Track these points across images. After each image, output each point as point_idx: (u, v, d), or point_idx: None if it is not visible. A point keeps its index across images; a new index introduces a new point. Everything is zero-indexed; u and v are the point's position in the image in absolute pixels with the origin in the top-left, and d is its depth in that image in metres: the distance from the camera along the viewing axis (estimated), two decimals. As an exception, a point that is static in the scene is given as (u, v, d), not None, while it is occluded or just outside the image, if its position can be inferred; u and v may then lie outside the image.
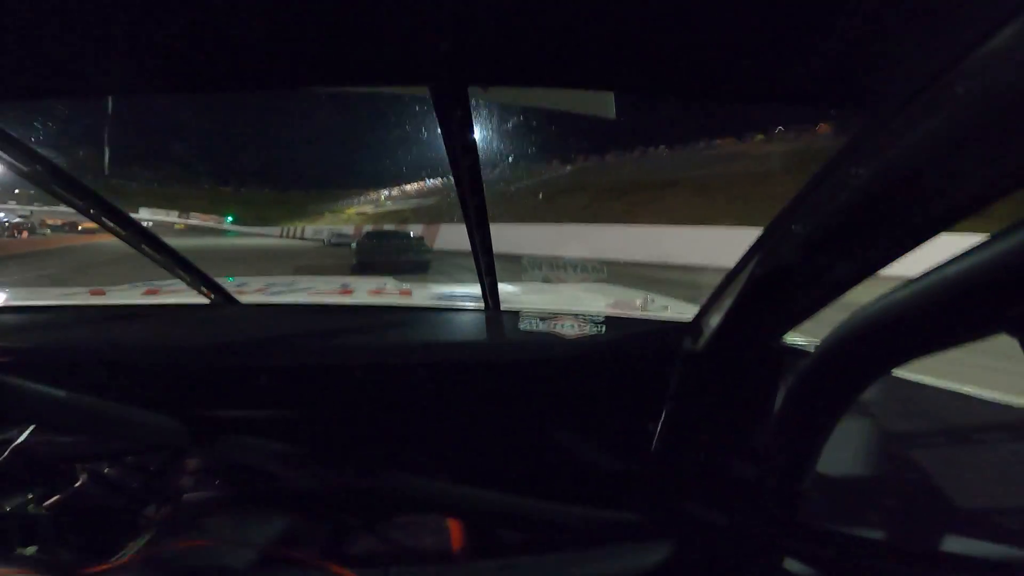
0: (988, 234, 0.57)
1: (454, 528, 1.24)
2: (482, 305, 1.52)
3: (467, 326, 1.46)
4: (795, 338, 1.26)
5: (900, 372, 1.05)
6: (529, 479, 1.19)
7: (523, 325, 1.41)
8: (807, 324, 1.17)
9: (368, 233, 16.41)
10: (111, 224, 1.09)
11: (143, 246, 1.18)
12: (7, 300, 1.44)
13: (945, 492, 0.96)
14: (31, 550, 0.89)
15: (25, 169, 0.92)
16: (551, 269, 1.88)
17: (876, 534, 0.88)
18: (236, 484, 1.33)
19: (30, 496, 1.21)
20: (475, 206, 1.05)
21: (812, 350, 0.98)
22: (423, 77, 0.72)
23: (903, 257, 0.82)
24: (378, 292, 1.90)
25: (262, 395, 1.33)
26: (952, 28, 0.54)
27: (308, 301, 1.71)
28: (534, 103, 0.91)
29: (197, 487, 1.33)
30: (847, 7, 0.56)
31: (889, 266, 0.84)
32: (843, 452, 1.10)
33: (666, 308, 1.57)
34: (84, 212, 1.04)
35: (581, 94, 0.86)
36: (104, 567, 0.78)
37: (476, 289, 1.48)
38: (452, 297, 1.73)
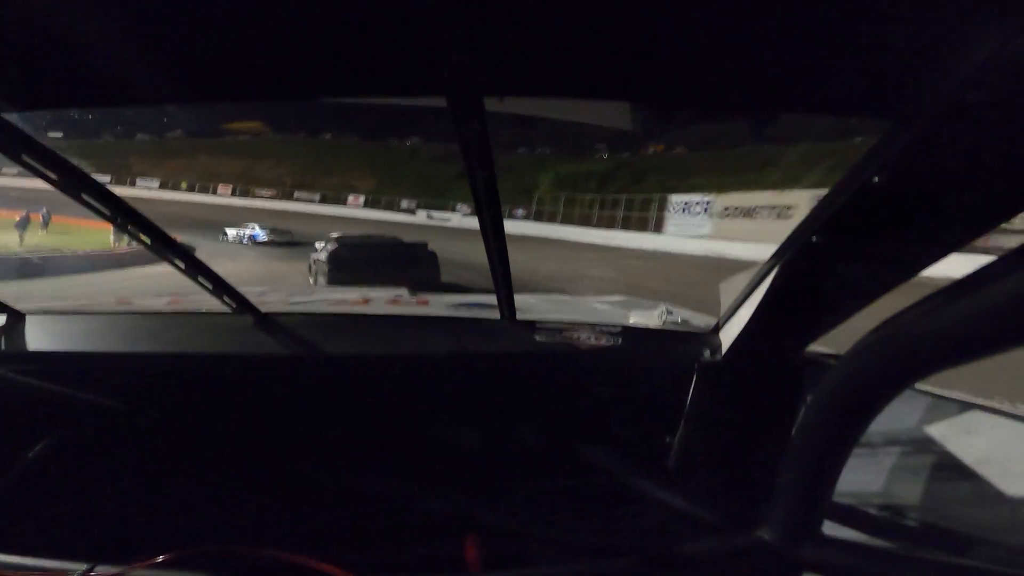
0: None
1: (469, 538, 1.23)
2: (498, 315, 1.52)
3: (484, 336, 1.46)
4: (818, 348, 1.23)
5: (921, 385, 1.03)
6: (544, 488, 1.18)
7: (540, 336, 1.40)
8: (833, 334, 1.15)
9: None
10: (137, 233, 1.12)
11: (168, 255, 1.20)
12: (36, 306, 1.48)
13: (967, 505, 0.93)
14: (44, 553, 0.90)
15: (53, 177, 0.94)
16: (568, 281, 1.87)
17: (897, 547, 0.85)
18: (254, 490, 1.34)
19: (51, 498, 1.23)
20: (491, 217, 1.05)
21: (835, 361, 0.95)
22: (439, 88, 0.73)
23: (930, 266, 0.80)
24: (395, 302, 1.92)
25: (281, 402, 1.34)
26: (970, 36, 0.53)
27: (328, 311, 1.73)
28: (550, 114, 0.91)
29: (216, 493, 1.34)
30: (865, 18, 0.56)
31: (916, 276, 0.83)
32: (864, 464, 1.07)
33: (684, 319, 1.55)
34: (111, 220, 1.07)
35: (597, 104, 0.86)
36: (119, 571, 0.79)
37: (492, 299, 1.48)
38: (468, 307, 1.74)
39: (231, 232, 18.85)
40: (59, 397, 1.20)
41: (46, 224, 17.47)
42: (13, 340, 1.29)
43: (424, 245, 12.21)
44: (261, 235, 19.36)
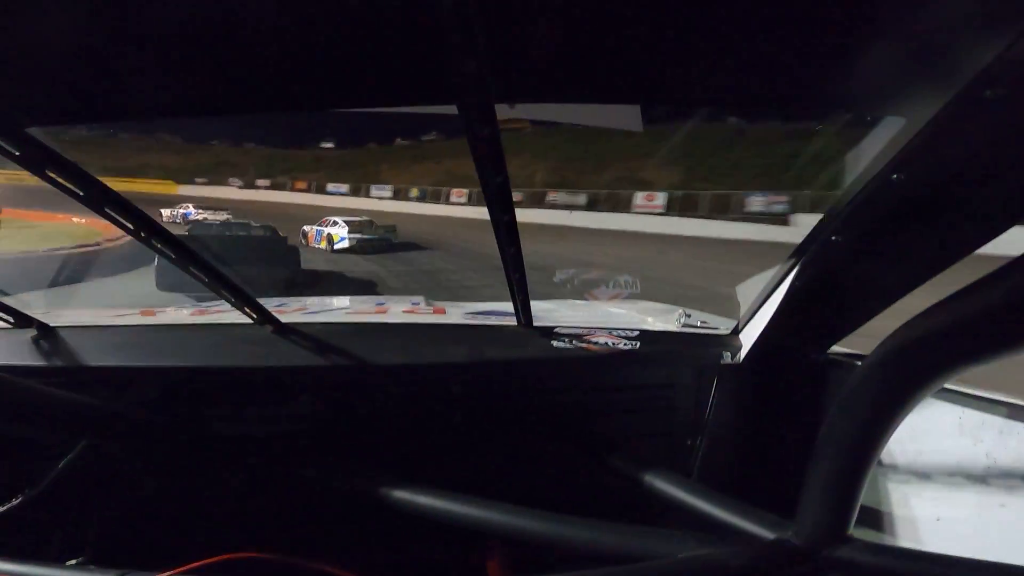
0: None
1: (489, 544, 1.23)
2: (515, 322, 1.52)
3: (501, 343, 1.46)
4: (841, 349, 1.21)
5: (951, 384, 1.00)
6: (565, 495, 1.17)
7: (557, 342, 1.40)
8: (857, 334, 1.12)
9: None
10: (160, 247, 1.15)
11: (191, 268, 1.23)
12: (65, 320, 1.52)
13: (999, 504, 0.90)
14: (76, 561, 0.92)
15: (78, 192, 0.97)
16: (584, 285, 1.86)
17: (926, 547, 0.83)
18: (276, 498, 1.36)
19: (81, 508, 1.26)
20: (505, 223, 1.05)
21: (860, 362, 0.94)
22: (451, 96, 0.74)
23: (955, 263, 0.78)
24: (412, 311, 1.93)
25: (303, 411, 1.36)
26: (987, 31, 0.53)
27: (345, 320, 1.74)
28: (561, 118, 0.92)
29: (241, 502, 1.36)
30: (884, 16, 0.55)
31: (941, 272, 0.81)
32: (891, 465, 1.04)
33: (703, 322, 1.54)
34: (135, 235, 1.10)
35: (608, 108, 0.87)
36: None
37: (509, 306, 1.48)
38: (485, 314, 1.74)
39: (165, 212, 18.13)
40: (87, 409, 1.23)
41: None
42: (42, 353, 1.33)
43: (284, 239, 10.84)
44: (192, 213, 18.99)
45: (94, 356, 1.34)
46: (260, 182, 35.12)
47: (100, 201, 1.00)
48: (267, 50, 0.65)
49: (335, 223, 15.12)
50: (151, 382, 1.32)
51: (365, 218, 16.09)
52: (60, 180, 0.93)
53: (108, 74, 0.71)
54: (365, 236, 14.78)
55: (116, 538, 1.24)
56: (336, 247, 14.50)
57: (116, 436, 1.29)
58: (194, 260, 1.21)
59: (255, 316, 1.43)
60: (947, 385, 1.01)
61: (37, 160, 0.89)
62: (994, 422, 0.95)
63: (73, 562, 0.92)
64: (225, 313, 1.56)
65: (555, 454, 1.40)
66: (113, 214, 1.03)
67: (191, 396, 1.33)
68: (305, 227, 15.58)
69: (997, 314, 0.55)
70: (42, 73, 0.70)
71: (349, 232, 14.65)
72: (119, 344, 1.45)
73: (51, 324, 1.42)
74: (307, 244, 14.94)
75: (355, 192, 32.26)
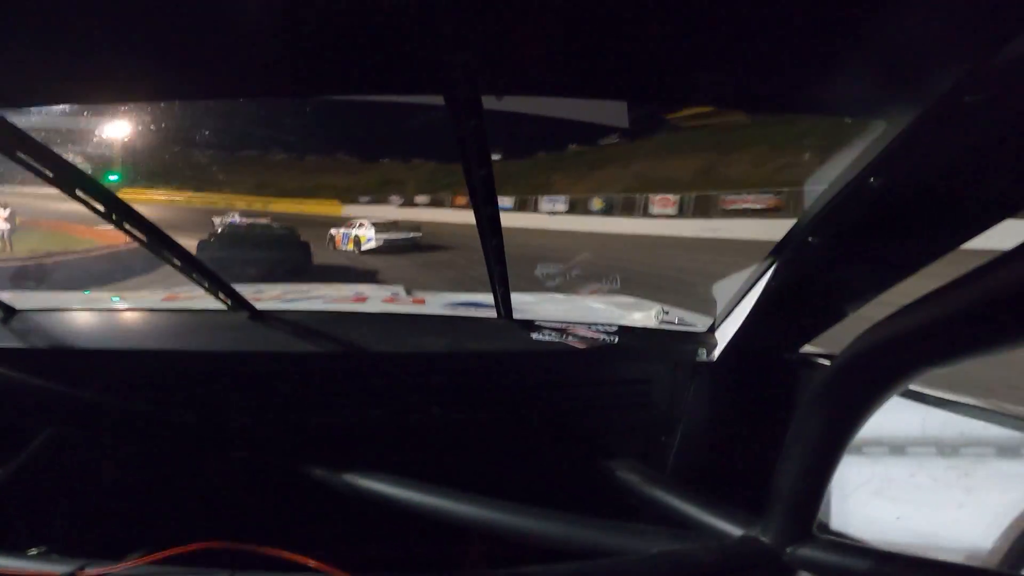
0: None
1: (466, 537, 1.23)
2: (495, 314, 1.51)
3: (480, 335, 1.46)
4: (813, 348, 1.24)
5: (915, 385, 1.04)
6: (540, 490, 1.18)
7: (536, 335, 1.40)
8: (828, 334, 1.15)
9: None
10: (132, 230, 1.12)
11: (164, 252, 1.20)
12: (32, 303, 1.47)
13: (960, 506, 0.93)
14: (38, 550, 0.89)
15: (47, 173, 0.94)
16: (565, 279, 1.87)
17: (891, 547, 0.86)
18: (248, 488, 1.34)
19: (45, 496, 1.23)
20: (488, 215, 1.05)
21: (830, 361, 0.96)
22: (438, 87, 0.73)
23: (925, 267, 0.81)
24: (392, 300, 1.91)
25: (277, 400, 1.34)
26: (967, 38, 0.54)
27: (323, 308, 1.72)
28: (547, 111, 0.92)
29: (210, 490, 1.34)
30: (863, 21, 0.56)
31: (911, 275, 0.83)
32: (858, 464, 1.07)
33: (680, 319, 1.56)
34: (106, 217, 1.06)
35: (595, 103, 0.87)
36: (111, 569, 0.78)
37: (489, 298, 1.48)
38: (465, 306, 1.74)
39: (216, 220, 18.68)
40: (52, 394, 1.20)
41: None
42: (6, 336, 1.29)
43: (297, 237, 11.92)
44: (236, 220, 19.52)
45: (61, 340, 1.30)
46: (419, 199, 33.48)
47: (71, 183, 0.97)
48: (258, 35, 0.64)
49: (361, 225, 15.99)
50: (120, 367, 1.29)
51: (391, 220, 17.38)
52: (31, 162, 0.90)
53: (82, 55, 0.68)
54: (392, 237, 15.75)
55: (82, 528, 1.21)
56: (364, 248, 15.40)
57: (82, 423, 1.25)
58: (166, 244, 1.18)
59: (229, 302, 1.40)
60: (912, 386, 1.04)
61: (7, 142, 0.86)
62: (956, 423, 0.99)
63: (34, 551, 0.89)
64: (198, 299, 1.52)
65: (532, 447, 1.41)
66: (84, 196, 1.00)
67: (161, 382, 1.30)
68: (332, 230, 16.41)
69: (963, 318, 0.56)
70: (10, 54, 0.68)
71: (376, 233, 15.56)
72: (87, 328, 1.41)
73: (16, 307, 1.37)
74: (334, 247, 15.88)
75: (521, 207, 27.27)
